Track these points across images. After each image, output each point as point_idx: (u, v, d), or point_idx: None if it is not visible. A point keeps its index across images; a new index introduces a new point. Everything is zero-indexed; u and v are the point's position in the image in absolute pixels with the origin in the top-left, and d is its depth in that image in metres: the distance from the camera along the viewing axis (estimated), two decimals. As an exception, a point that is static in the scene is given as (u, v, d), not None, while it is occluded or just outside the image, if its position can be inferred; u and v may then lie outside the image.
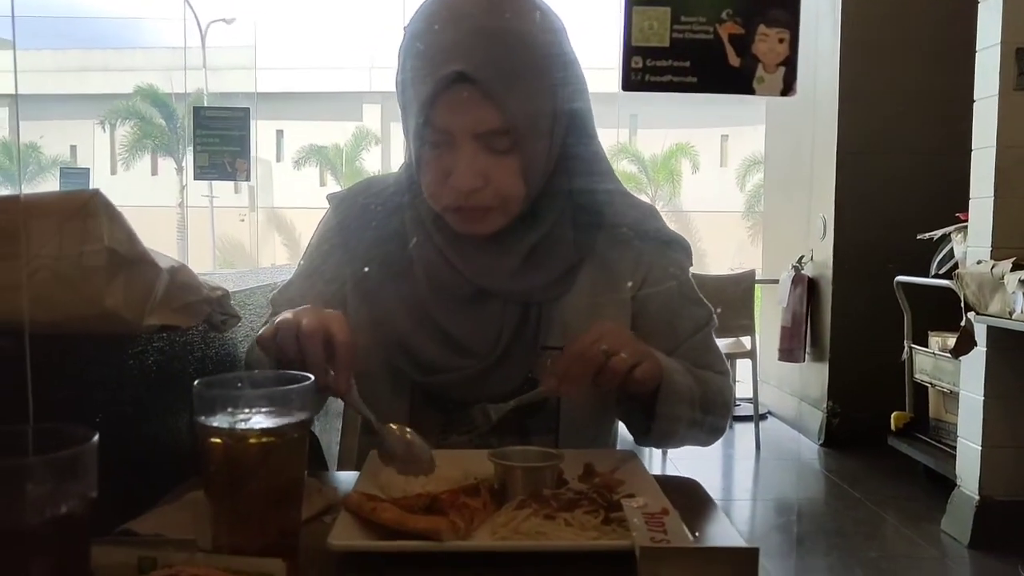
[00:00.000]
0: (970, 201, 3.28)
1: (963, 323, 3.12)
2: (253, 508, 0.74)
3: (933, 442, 3.92)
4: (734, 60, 0.68)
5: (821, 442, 4.80)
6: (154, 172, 24.50)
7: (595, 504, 0.85)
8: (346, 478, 1.08)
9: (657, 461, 4.23)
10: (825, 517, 3.84)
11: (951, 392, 3.68)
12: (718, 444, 4.39)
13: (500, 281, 1.13)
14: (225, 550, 0.73)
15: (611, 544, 0.79)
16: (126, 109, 22.16)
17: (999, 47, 3.05)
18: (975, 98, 3.22)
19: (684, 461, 4.24)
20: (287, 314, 0.97)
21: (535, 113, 1.05)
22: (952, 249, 3.73)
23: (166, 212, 22.33)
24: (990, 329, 3.08)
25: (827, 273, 4.81)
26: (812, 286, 4.97)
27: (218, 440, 0.73)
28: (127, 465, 0.89)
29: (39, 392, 0.67)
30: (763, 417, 5.27)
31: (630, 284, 1.18)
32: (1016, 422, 3.14)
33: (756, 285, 4.87)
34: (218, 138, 7.25)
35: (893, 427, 4.17)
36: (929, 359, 3.94)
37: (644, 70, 0.71)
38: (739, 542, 0.86)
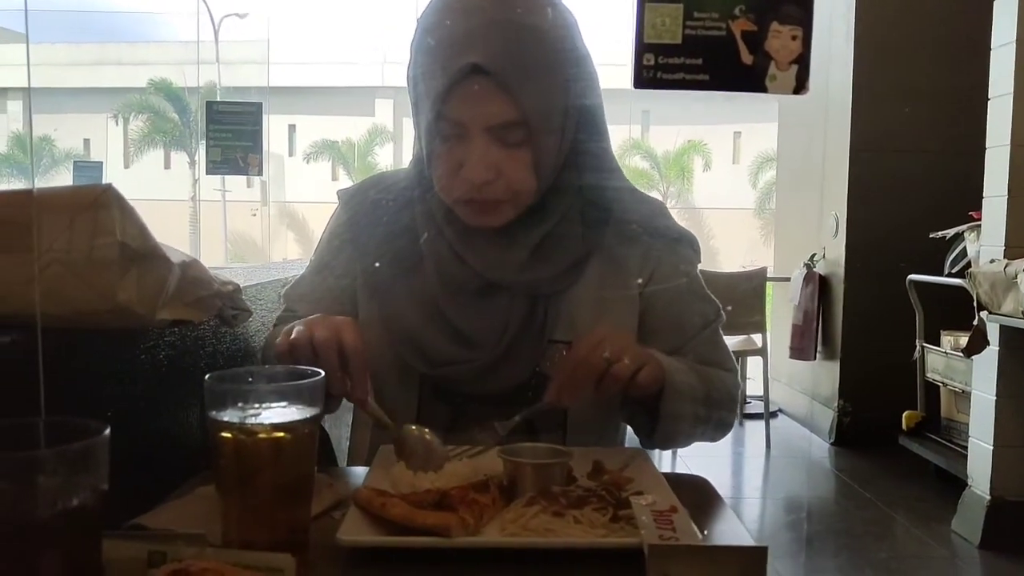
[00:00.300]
0: (983, 200, 3.26)
1: (975, 322, 3.10)
2: (263, 503, 0.74)
3: (944, 442, 3.91)
4: (746, 57, 0.68)
5: (832, 441, 4.78)
6: (167, 166, 24.61)
7: (604, 501, 0.85)
8: (356, 473, 1.09)
9: (667, 459, 4.22)
10: (835, 516, 3.83)
11: (963, 391, 3.67)
12: (728, 442, 4.37)
13: (508, 273, 1.13)
14: (235, 545, 0.73)
15: (620, 541, 0.79)
16: (139, 103, 22.26)
17: (1014, 45, 3.03)
18: (989, 96, 3.20)
19: (694, 459, 4.23)
20: (299, 326, 0.97)
21: (548, 107, 1.06)
22: (965, 248, 3.71)
23: (178, 206, 22.42)
24: (1003, 328, 3.06)
25: (839, 271, 4.79)
26: (824, 284, 4.96)
27: (229, 435, 0.73)
28: (138, 459, 0.89)
29: (51, 385, 0.67)
30: (774, 415, 5.25)
31: (638, 280, 1.19)
32: (1028, 422, 3.13)
33: (768, 283, 4.85)
34: (231, 133, 7.28)
35: (904, 426, 4.16)
36: (941, 358, 3.92)
37: (656, 67, 0.71)
38: (748, 541, 0.86)
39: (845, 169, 4.68)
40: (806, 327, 4.94)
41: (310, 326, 0.97)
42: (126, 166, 23.42)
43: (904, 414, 4.17)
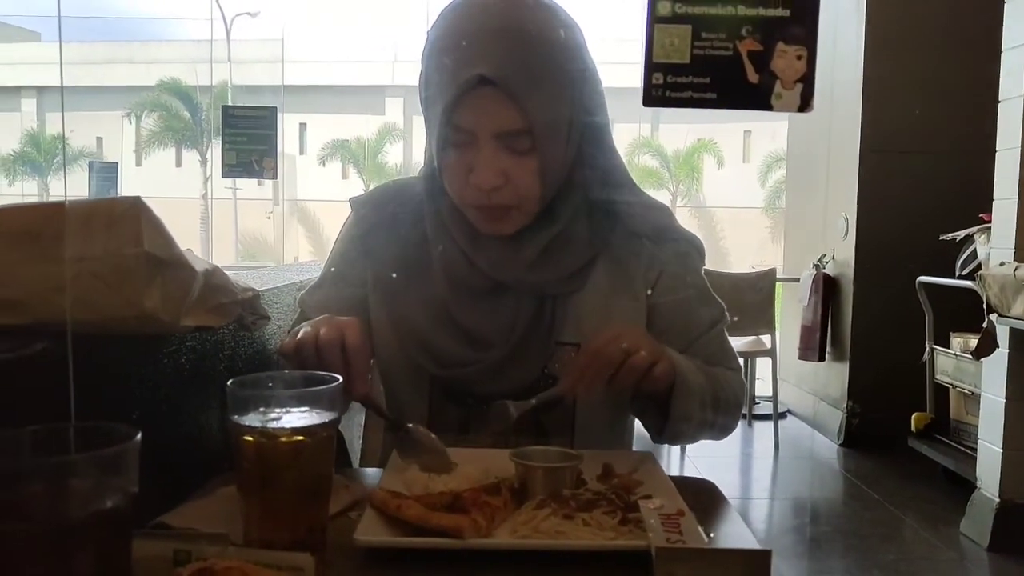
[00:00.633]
0: (994, 202, 3.25)
1: (985, 325, 3.10)
2: (283, 504, 0.77)
3: (953, 444, 3.90)
4: (753, 76, 0.70)
5: (840, 442, 4.78)
6: (178, 164, 24.72)
7: (613, 505, 0.87)
8: (371, 474, 1.11)
9: (676, 460, 4.23)
10: (843, 518, 3.84)
11: (972, 393, 3.67)
12: (736, 442, 4.38)
13: (515, 273, 1.16)
14: (256, 544, 0.76)
15: (628, 544, 0.81)
16: (151, 101, 22.37)
17: (1025, 48, 3.03)
18: (1000, 99, 3.20)
19: (703, 460, 4.24)
20: (307, 327, 1.02)
21: (553, 116, 1.08)
22: (975, 250, 3.71)
23: (190, 204, 22.53)
24: (1013, 331, 3.06)
25: (848, 272, 4.79)
26: (833, 285, 4.96)
27: (250, 439, 0.76)
28: (161, 459, 0.92)
29: (80, 390, 0.70)
30: (782, 416, 5.25)
31: (644, 282, 1.21)
32: (1038, 425, 3.13)
33: (777, 283, 4.86)
34: (245, 137, 7.32)
35: (913, 428, 4.15)
36: (950, 360, 3.92)
37: (665, 86, 0.73)
38: (753, 544, 0.88)
39: (855, 170, 4.68)
40: (815, 328, 4.94)
41: (316, 326, 1.01)
42: (138, 164, 23.54)
43: (913, 416, 4.16)
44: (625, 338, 1.03)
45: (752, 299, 4.54)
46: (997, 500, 3.18)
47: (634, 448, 1.29)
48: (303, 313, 1.25)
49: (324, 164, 23.57)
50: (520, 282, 1.16)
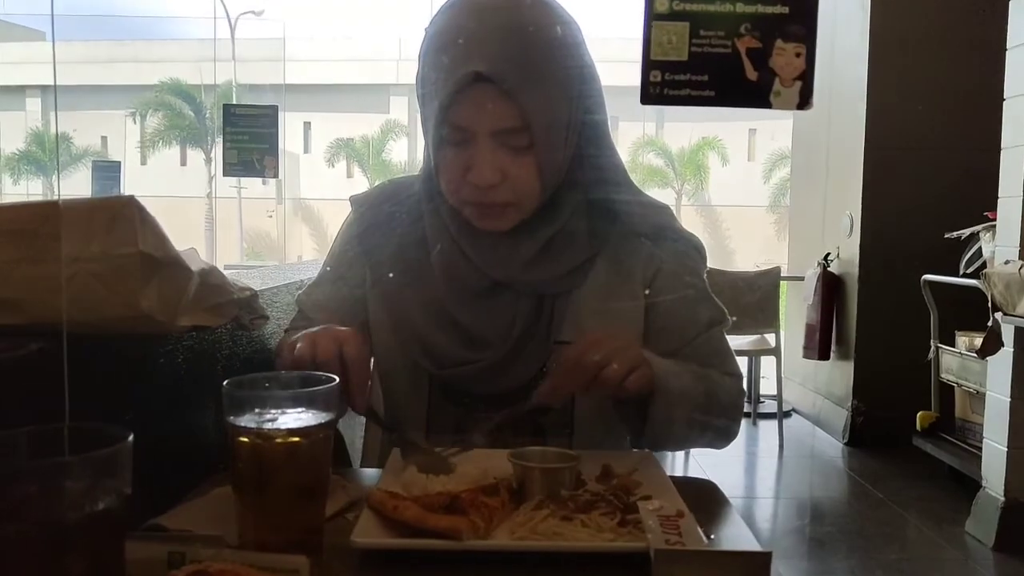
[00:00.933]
0: (999, 200, 3.24)
1: (990, 323, 3.09)
2: (279, 506, 0.76)
3: (958, 442, 3.89)
4: (751, 74, 0.69)
5: (845, 441, 4.77)
6: (183, 163, 24.78)
7: (612, 506, 0.87)
8: (369, 475, 1.11)
9: (680, 459, 4.23)
10: (848, 517, 3.83)
11: (977, 392, 3.65)
12: (741, 441, 4.37)
13: (513, 272, 1.15)
14: (251, 546, 0.75)
15: (626, 546, 0.80)
16: (156, 100, 22.41)
17: (1030, 45, 3.02)
18: (1005, 97, 3.19)
19: (707, 458, 4.23)
20: (302, 341, 1.00)
21: (551, 113, 1.08)
22: (980, 248, 3.70)
23: (195, 203, 22.59)
24: (1018, 330, 3.05)
25: (853, 271, 4.78)
26: (838, 283, 4.94)
27: (246, 440, 0.75)
28: (157, 460, 0.91)
29: (75, 390, 0.70)
30: (787, 415, 5.25)
31: (642, 281, 1.20)
32: (1043, 424, 3.12)
33: (782, 282, 4.85)
34: (247, 135, 7.35)
35: (918, 427, 4.14)
36: (955, 359, 3.90)
37: (663, 83, 0.72)
38: (753, 545, 0.87)
39: (860, 168, 4.67)
40: (820, 327, 4.92)
41: (313, 343, 0.99)
42: (143, 163, 23.59)
43: (918, 414, 4.15)
44: (602, 347, 1.01)
45: (756, 298, 4.53)
46: (1002, 499, 3.17)
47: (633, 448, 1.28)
48: (301, 312, 1.25)
49: (333, 165, 23.59)
50: (518, 281, 1.16)
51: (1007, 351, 3.11)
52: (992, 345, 3.11)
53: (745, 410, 5.11)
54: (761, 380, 5.49)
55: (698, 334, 1.20)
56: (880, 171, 4.63)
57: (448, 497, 0.86)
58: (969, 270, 3.79)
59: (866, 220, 4.68)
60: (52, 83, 23.45)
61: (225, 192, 21.05)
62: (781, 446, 4.80)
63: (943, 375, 4.03)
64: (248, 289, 1.09)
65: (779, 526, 3.76)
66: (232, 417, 0.76)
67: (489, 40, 1.04)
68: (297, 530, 0.77)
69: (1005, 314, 3.00)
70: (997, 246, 3.26)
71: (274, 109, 7.63)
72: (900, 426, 4.27)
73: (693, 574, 0.72)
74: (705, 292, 1.23)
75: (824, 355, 4.95)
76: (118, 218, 0.83)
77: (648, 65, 0.74)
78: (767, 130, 22.37)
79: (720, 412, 1.15)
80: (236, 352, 1.21)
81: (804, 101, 0.75)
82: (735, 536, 0.92)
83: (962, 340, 3.91)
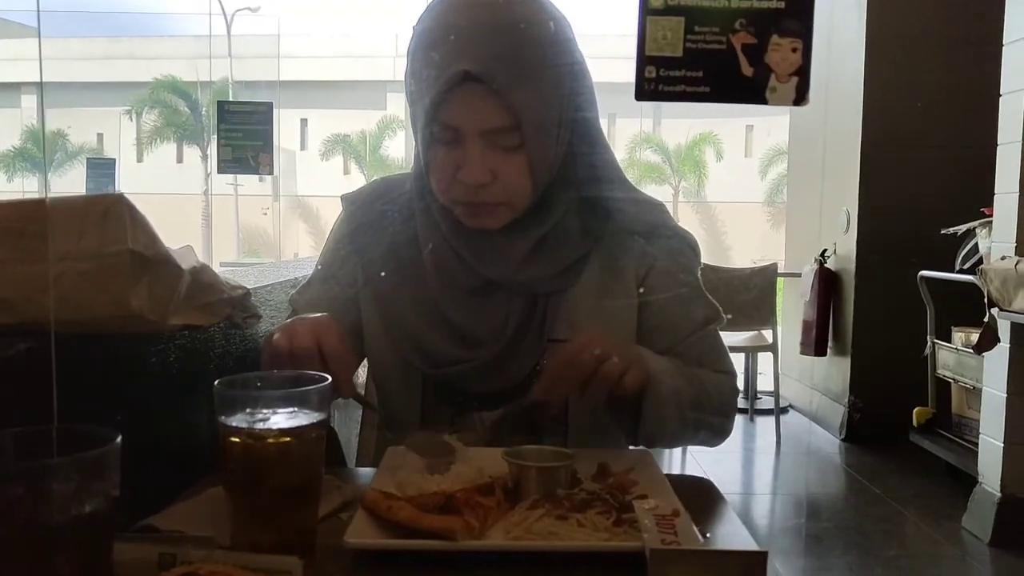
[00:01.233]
0: (995, 196, 3.24)
1: (986, 319, 3.09)
2: (271, 506, 0.76)
3: (955, 438, 3.90)
4: (747, 70, 0.68)
5: (842, 437, 4.77)
6: (179, 160, 24.73)
7: (607, 505, 0.86)
8: (364, 474, 1.10)
9: (677, 456, 4.23)
10: (845, 513, 3.83)
11: (974, 388, 3.66)
12: (738, 438, 4.37)
13: (506, 271, 1.15)
14: (243, 547, 0.74)
15: (622, 545, 0.80)
16: (152, 97, 22.36)
17: (1027, 41, 3.01)
18: (1001, 92, 3.18)
19: (705, 455, 4.24)
20: (278, 334, 0.99)
21: (541, 112, 1.07)
22: (977, 244, 3.70)
23: (191, 200, 22.56)
24: (1014, 326, 3.05)
25: (850, 267, 4.78)
26: (835, 280, 4.94)
27: (237, 440, 0.75)
28: (150, 461, 0.91)
29: (66, 390, 0.69)
30: (784, 411, 5.25)
31: (636, 278, 1.19)
32: (1039, 419, 3.12)
33: (778, 278, 4.84)
34: (241, 132, 7.34)
35: (915, 423, 4.15)
36: (952, 355, 3.90)
37: (657, 79, 0.71)
38: (750, 544, 0.87)
39: (856, 164, 4.67)
40: (817, 323, 4.93)
41: (289, 336, 0.98)
42: (139, 160, 23.54)
43: (915, 410, 4.16)
44: (597, 344, 1.00)
45: (752, 296, 4.53)
46: (999, 494, 3.17)
47: (630, 447, 1.28)
48: (294, 312, 1.24)
49: (326, 159, 23.54)
50: (511, 279, 1.15)
51: (1003, 347, 3.12)
52: (988, 341, 3.11)
53: (742, 406, 5.12)
54: (758, 376, 5.49)
55: (692, 332, 1.19)
56: (877, 167, 4.62)
57: (443, 497, 0.85)
58: (965, 266, 3.79)
59: (863, 216, 4.68)
60: (48, 80, 23.33)
61: (222, 189, 21.03)
62: (778, 442, 4.80)
63: (940, 371, 4.03)
64: (241, 287, 1.08)
65: (776, 522, 3.76)
66: (224, 417, 0.75)
67: (478, 38, 1.03)
68: (289, 530, 0.76)
69: (1001, 310, 3.00)
70: (993, 242, 3.26)
71: (269, 106, 7.61)
72: (897, 422, 4.27)
73: (689, 573, 0.71)
74: (699, 290, 1.22)
75: (821, 351, 4.95)
76: (107, 216, 0.82)
77: (643, 61, 0.73)
78: (764, 126, 22.38)
79: (714, 410, 1.15)
80: (229, 351, 1.20)
81: (800, 97, 0.74)
82: (731, 535, 0.91)
83: (958, 336, 3.91)
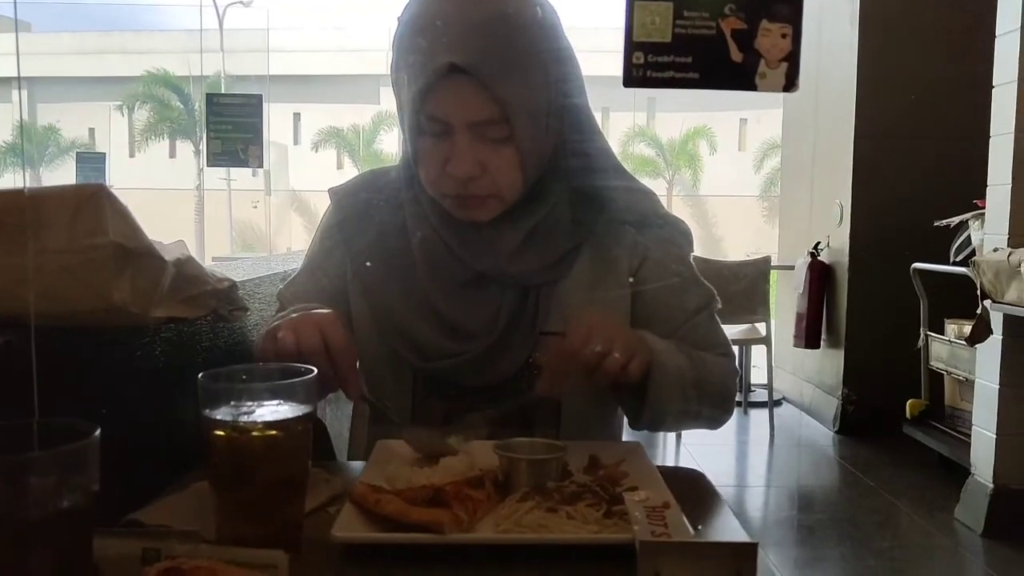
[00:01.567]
0: (988, 188, 3.24)
1: (979, 311, 3.09)
2: (256, 500, 0.75)
3: (948, 430, 3.91)
4: (736, 56, 0.67)
5: (835, 429, 4.78)
6: (172, 155, 24.64)
7: (598, 497, 0.85)
8: (353, 467, 1.10)
9: (671, 448, 4.23)
10: (838, 505, 3.84)
11: (967, 380, 3.66)
12: (732, 430, 4.38)
13: (497, 263, 1.13)
14: (228, 541, 0.73)
15: (612, 538, 0.79)
16: (144, 92, 22.26)
17: (1018, 33, 3.01)
18: (994, 84, 3.18)
19: (698, 447, 4.24)
20: (283, 331, 0.97)
21: (529, 103, 1.05)
22: (970, 236, 3.70)
23: (184, 195, 22.49)
24: (1006, 317, 3.05)
25: (843, 259, 4.78)
26: (828, 272, 4.95)
27: (222, 433, 0.74)
28: (135, 455, 0.90)
29: (49, 384, 0.68)
30: (778, 403, 5.26)
31: (628, 269, 1.18)
32: (1031, 411, 3.12)
33: (772, 271, 4.84)
34: (231, 125, 7.31)
35: (908, 415, 4.16)
36: (945, 347, 3.91)
37: (645, 65, 0.71)
38: (741, 536, 0.86)
39: (850, 157, 4.67)
40: (810, 315, 4.93)
41: (295, 331, 0.97)
42: (131, 155, 23.45)
43: (908, 402, 4.17)
44: (599, 334, 0.99)
45: (741, 286, 4.53)
46: (991, 486, 3.18)
47: (623, 439, 1.27)
48: (282, 307, 1.22)
49: (317, 150, 23.46)
50: (502, 272, 1.14)
51: (996, 339, 3.12)
52: (981, 333, 3.12)
53: (736, 399, 5.11)
54: (752, 369, 5.50)
55: (688, 319, 1.19)
56: (869, 160, 4.62)
57: (432, 490, 0.85)
58: (958, 258, 3.79)
59: (856, 209, 4.68)
60: (39, 75, 23.23)
61: (215, 184, 20.96)
62: (772, 435, 4.81)
63: (933, 363, 4.04)
64: (227, 280, 1.07)
65: (770, 514, 3.76)
66: (208, 410, 0.74)
67: (463, 29, 1.02)
68: (276, 524, 0.75)
69: (994, 302, 3.01)
70: (986, 234, 3.26)
71: (258, 98, 7.58)
72: (890, 414, 4.28)
73: (679, 565, 0.71)
74: (693, 277, 1.21)
75: (814, 344, 4.96)
76: (87, 207, 0.81)
77: (631, 47, 0.72)
78: (757, 119, 22.36)
79: (715, 390, 1.15)
80: (216, 344, 1.19)
81: (790, 83, 0.73)
82: (722, 526, 0.91)
83: (951, 328, 3.91)
